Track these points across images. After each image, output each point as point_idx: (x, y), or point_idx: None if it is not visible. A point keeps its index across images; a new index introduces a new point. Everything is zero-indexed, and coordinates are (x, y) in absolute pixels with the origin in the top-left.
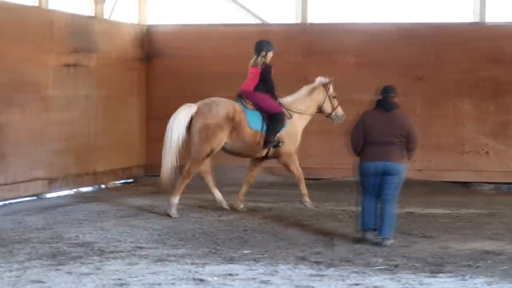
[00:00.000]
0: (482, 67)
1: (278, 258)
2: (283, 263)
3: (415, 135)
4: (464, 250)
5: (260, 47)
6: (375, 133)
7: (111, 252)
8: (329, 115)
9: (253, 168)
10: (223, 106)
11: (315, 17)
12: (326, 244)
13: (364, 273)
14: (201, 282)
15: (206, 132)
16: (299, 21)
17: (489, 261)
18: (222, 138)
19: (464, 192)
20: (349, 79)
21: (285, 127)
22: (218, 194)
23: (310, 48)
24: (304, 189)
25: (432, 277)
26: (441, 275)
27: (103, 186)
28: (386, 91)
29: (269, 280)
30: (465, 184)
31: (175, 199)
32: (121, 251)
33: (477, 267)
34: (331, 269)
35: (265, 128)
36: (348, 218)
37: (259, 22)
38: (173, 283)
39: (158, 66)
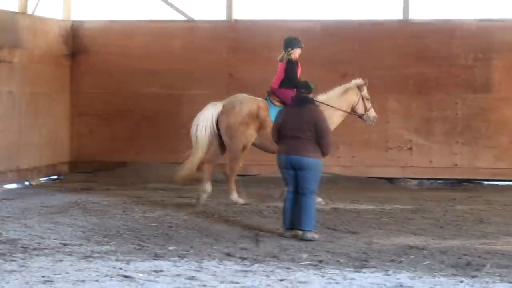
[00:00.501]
0: (407, 64)
1: (203, 254)
2: (208, 259)
3: (323, 130)
4: (388, 245)
5: (287, 44)
6: (286, 128)
7: (35, 249)
8: (361, 116)
9: None
10: (246, 104)
11: (241, 14)
12: (251, 240)
13: (289, 268)
14: (125, 278)
15: (231, 130)
16: (225, 17)
17: (412, 256)
18: (251, 134)
19: (388, 187)
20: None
21: None
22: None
23: (237, 45)
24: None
25: (356, 272)
26: (364, 270)
27: (27, 183)
28: (300, 87)
29: (194, 276)
30: (389, 179)
31: (234, 195)
32: (45, 248)
33: (400, 262)
34: (256, 265)
35: None
36: (273, 214)
37: (186, 18)
38: (97, 280)
39: (85, 63)
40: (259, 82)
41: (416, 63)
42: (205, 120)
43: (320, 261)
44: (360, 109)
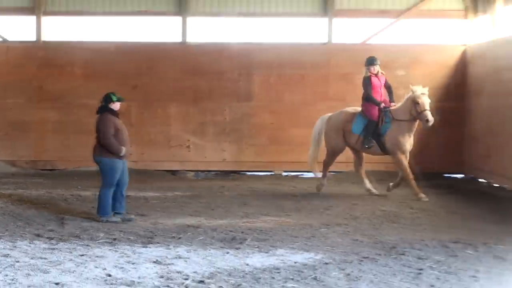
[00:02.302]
0: (185, 78)
1: (16, 236)
2: (21, 240)
3: (100, 133)
4: (170, 225)
5: (365, 63)
6: None
7: None
8: (419, 119)
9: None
10: (337, 117)
11: (49, 36)
12: (57, 223)
13: (88, 245)
14: None
15: (325, 136)
16: (36, 39)
17: (189, 233)
18: (336, 141)
19: (171, 178)
20: (78, 87)
21: (385, 133)
22: (367, 183)
23: (45, 62)
24: (413, 189)
25: (144, 247)
26: (150, 245)
27: None
28: (103, 97)
29: (9, 254)
30: (172, 172)
31: (323, 180)
32: None
33: (180, 238)
34: (61, 243)
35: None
36: (75, 201)
37: (1, 39)
38: None
39: None
40: (64, 92)
41: (192, 77)
42: (315, 128)
43: (114, 239)
44: (413, 113)
